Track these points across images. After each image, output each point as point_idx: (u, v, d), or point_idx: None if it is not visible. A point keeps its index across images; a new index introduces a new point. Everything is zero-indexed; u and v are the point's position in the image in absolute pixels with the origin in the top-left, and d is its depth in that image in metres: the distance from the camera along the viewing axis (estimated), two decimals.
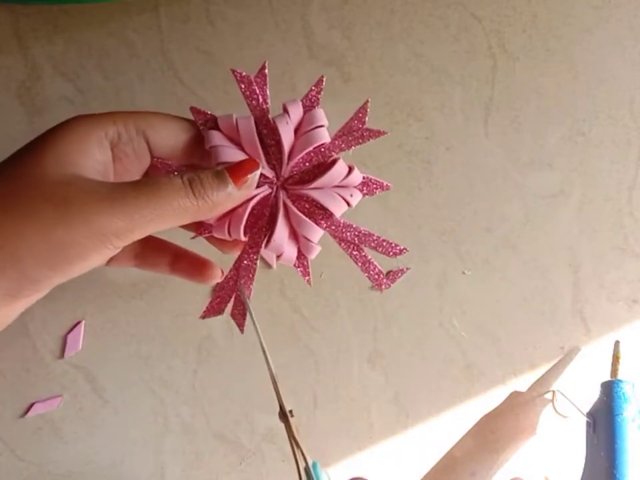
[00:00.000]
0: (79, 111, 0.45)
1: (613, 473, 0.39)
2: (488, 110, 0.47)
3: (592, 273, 0.48)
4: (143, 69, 0.45)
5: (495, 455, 0.47)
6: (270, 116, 0.34)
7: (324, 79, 0.34)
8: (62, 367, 0.46)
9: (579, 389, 0.47)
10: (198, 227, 0.35)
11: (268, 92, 0.34)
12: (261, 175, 0.34)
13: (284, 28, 0.46)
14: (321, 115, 0.34)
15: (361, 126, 0.34)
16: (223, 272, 0.38)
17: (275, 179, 0.34)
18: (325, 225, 0.35)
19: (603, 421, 0.42)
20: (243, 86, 0.34)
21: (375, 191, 0.35)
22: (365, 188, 0.35)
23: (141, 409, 0.47)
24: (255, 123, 0.33)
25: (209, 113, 0.34)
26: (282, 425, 0.48)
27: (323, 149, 0.34)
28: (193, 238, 0.35)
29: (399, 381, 0.48)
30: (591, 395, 0.45)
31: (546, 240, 0.48)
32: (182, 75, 0.46)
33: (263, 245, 0.34)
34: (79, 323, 0.46)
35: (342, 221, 0.35)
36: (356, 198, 0.35)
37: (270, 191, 0.34)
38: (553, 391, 0.47)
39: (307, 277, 0.36)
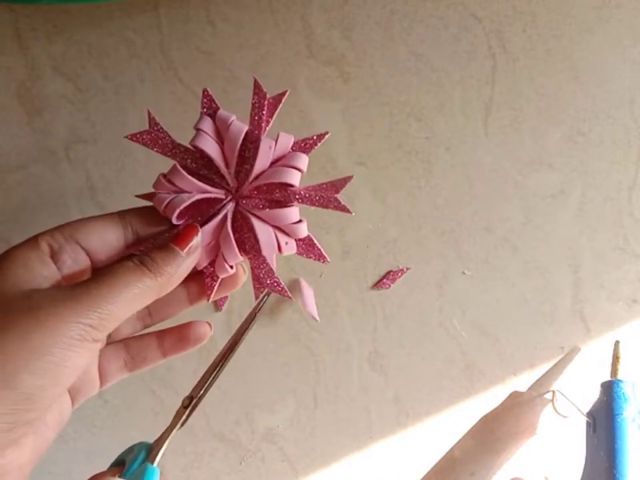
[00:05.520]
0: (78, 111, 0.46)
1: (613, 473, 0.39)
2: (488, 110, 0.47)
3: (592, 273, 0.48)
4: (143, 69, 0.45)
5: (495, 455, 0.47)
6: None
7: (208, 89, 0.34)
8: None
9: (579, 389, 0.47)
10: (203, 284, 0.35)
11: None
12: (215, 199, 0.34)
13: (284, 28, 0.46)
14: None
15: (262, 95, 0.34)
16: (211, 326, 0.38)
17: (229, 194, 0.35)
18: (294, 201, 0.35)
19: (603, 421, 0.42)
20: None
21: (310, 145, 0.35)
22: (303, 147, 0.35)
23: (141, 409, 0.47)
24: (180, 163, 0.34)
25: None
26: (282, 425, 0.49)
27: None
28: (210, 300, 0.36)
29: (399, 381, 0.48)
30: (591, 395, 0.45)
31: (546, 240, 0.48)
32: (182, 74, 0.46)
33: (262, 252, 0.34)
34: None
35: (305, 188, 0.35)
36: (301, 160, 0.35)
37: (232, 206, 0.35)
38: (553, 391, 0.46)
39: (321, 257, 0.36)
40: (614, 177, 0.48)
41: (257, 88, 0.34)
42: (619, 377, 0.44)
